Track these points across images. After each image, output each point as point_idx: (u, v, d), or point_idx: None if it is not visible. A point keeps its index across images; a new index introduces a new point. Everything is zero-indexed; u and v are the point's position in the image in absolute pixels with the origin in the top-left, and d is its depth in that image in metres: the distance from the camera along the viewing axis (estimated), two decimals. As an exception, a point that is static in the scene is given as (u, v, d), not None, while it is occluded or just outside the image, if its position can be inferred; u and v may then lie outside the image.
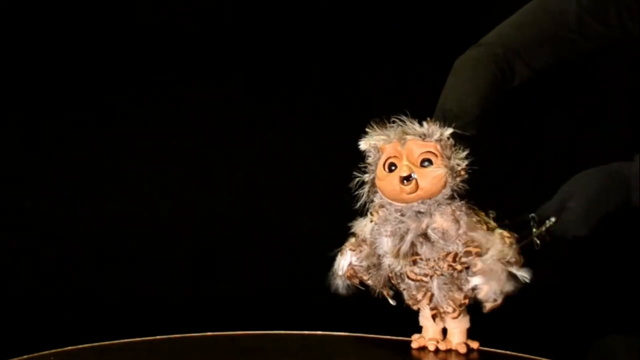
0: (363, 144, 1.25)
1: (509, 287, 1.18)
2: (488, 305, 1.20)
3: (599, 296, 2.20)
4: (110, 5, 2.27)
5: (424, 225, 1.21)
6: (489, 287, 1.18)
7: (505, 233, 1.22)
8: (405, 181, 1.20)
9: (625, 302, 2.12)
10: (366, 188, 1.25)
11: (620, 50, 1.55)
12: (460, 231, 1.20)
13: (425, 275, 1.22)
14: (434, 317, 1.26)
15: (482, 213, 1.23)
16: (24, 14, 2.25)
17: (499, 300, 1.19)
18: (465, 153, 1.22)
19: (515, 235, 1.22)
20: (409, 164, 1.20)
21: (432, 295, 1.23)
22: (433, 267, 1.21)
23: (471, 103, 1.40)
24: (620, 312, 2.12)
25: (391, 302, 1.27)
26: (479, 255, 1.19)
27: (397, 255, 1.21)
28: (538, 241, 1.31)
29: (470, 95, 1.41)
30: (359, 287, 1.28)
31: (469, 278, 1.20)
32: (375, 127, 1.25)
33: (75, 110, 2.28)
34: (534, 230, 1.30)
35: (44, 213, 2.28)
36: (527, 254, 1.25)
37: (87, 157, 2.29)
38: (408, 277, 1.23)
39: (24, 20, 2.25)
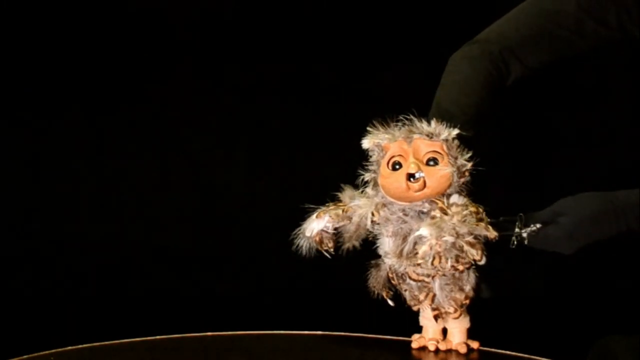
0: (366, 143, 1.25)
1: (450, 254, 1.16)
2: (420, 261, 1.17)
3: (599, 296, 2.20)
4: (109, 5, 2.27)
5: (425, 226, 1.21)
6: (430, 244, 1.15)
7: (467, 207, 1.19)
8: (412, 179, 1.20)
9: (625, 302, 2.12)
10: (369, 187, 1.25)
11: (620, 49, 1.54)
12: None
13: (427, 275, 1.22)
14: (436, 317, 1.26)
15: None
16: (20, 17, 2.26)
17: (430, 261, 1.16)
18: (469, 154, 1.22)
19: (496, 232, 1.20)
20: (416, 162, 1.20)
21: (434, 295, 1.23)
22: (435, 267, 1.21)
23: (468, 103, 1.39)
24: (620, 312, 2.12)
25: (390, 303, 1.27)
26: (443, 211, 1.18)
27: (399, 256, 1.21)
28: (515, 241, 1.30)
29: (466, 94, 1.40)
30: (325, 253, 1.26)
31: (417, 226, 1.18)
32: (378, 126, 1.24)
33: (75, 110, 2.28)
34: (516, 229, 1.29)
35: (44, 213, 2.28)
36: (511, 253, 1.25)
37: (87, 157, 2.29)
38: (410, 278, 1.23)
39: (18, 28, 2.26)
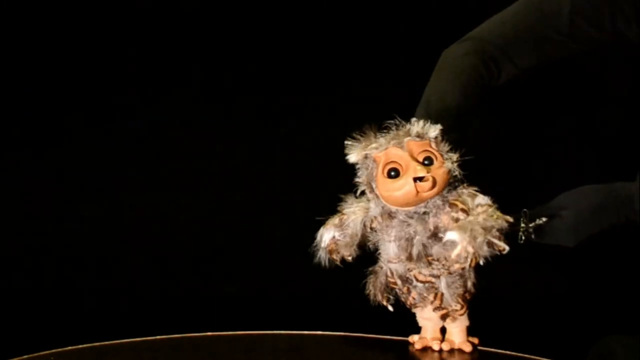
0: (353, 157, 1.23)
1: (483, 252, 1.17)
2: (456, 265, 1.19)
3: (599, 296, 2.20)
4: (109, 4, 2.27)
5: (431, 226, 1.21)
6: (462, 247, 1.16)
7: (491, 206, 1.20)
8: (418, 180, 1.19)
9: (625, 303, 2.12)
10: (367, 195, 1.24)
11: (618, 49, 1.54)
12: (450, 197, 1.21)
13: (434, 276, 1.22)
14: (444, 317, 1.26)
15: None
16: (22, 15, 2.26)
17: (467, 263, 1.17)
18: (451, 146, 1.22)
19: (511, 219, 1.21)
20: (421, 164, 1.20)
21: (443, 295, 1.23)
22: (444, 265, 1.21)
23: (456, 100, 1.39)
24: (620, 312, 2.12)
25: (390, 308, 1.28)
26: (464, 211, 1.19)
27: (409, 259, 1.21)
28: (523, 236, 1.30)
29: (453, 93, 1.40)
30: (339, 264, 1.27)
31: (444, 234, 1.19)
32: (360, 138, 1.22)
33: (75, 110, 2.28)
34: (522, 224, 1.30)
35: (44, 213, 2.28)
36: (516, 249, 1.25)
37: (87, 157, 2.29)
38: (417, 280, 1.23)
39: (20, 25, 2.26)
